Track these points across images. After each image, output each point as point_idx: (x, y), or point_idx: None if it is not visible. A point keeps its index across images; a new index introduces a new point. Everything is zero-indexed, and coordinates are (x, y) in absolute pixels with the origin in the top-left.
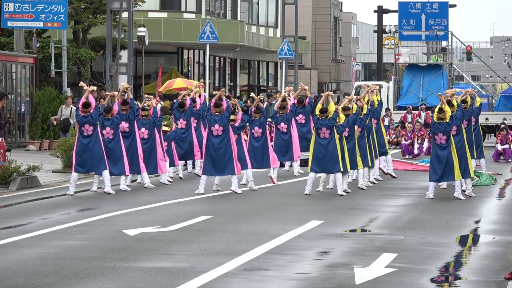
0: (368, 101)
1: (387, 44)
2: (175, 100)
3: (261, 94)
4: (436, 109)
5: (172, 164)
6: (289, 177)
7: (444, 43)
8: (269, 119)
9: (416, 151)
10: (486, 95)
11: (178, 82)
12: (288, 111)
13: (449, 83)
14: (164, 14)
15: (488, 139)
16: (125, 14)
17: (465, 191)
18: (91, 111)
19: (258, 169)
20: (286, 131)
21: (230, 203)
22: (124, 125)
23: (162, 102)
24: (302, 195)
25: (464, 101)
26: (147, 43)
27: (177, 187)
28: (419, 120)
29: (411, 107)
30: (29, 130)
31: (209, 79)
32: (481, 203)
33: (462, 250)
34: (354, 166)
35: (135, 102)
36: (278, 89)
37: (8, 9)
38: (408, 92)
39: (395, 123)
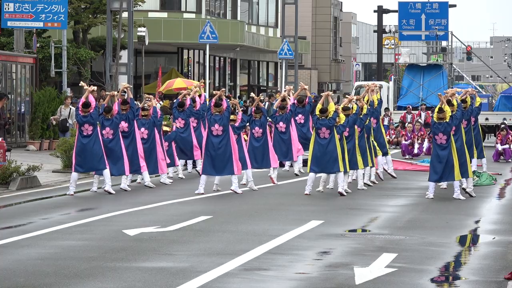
0: (367, 101)
1: (387, 44)
2: (175, 100)
3: (261, 94)
4: (436, 109)
5: (172, 164)
6: (289, 177)
7: (444, 43)
8: (269, 119)
9: (416, 151)
10: (486, 95)
11: (178, 82)
12: (288, 111)
13: (449, 83)
14: (164, 14)
15: (488, 139)
16: (125, 14)
17: (465, 189)
18: (91, 111)
19: (258, 169)
20: (285, 131)
21: (230, 203)
22: (123, 125)
23: (161, 102)
24: (302, 195)
25: (463, 101)
26: (147, 43)
27: (177, 187)
28: (419, 120)
29: (410, 107)
30: (29, 130)
31: (209, 79)
32: (481, 203)
33: (462, 250)
34: (354, 166)
35: (135, 102)
36: (278, 89)
37: (8, 9)
38: (408, 92)
39: (395, 123)
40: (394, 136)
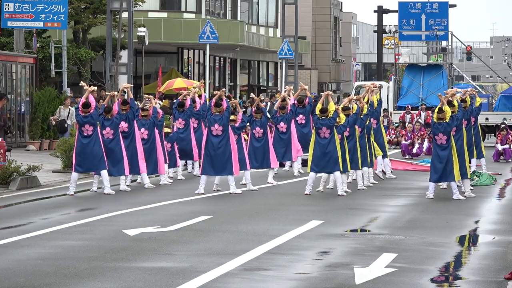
0: (367, 101)
1: (387, 44)
2: (175, 100)
3: (261, 94)
4: (436, 109)
5: (173, 165)
6: (289, 177)
7: (444, 43)
8: (270, 119)
9: (415, 151)
10: (486, 95)
11: (178, 82)
12: (288, 111)
13: (449, 83)
14: (164, 14)
15: (488, 139)
16: (125, 14)
17: (464, 193)
18: (91, 111)
19: (258, 169)
20: (286, 131)
21: (230, 203)
22: (123, 125)
23: (160, 102)
24: (302, 195)
25: (463, 101)
26: (147, 43)
27: (177, 187)
28: (419, 120)
29: (410, 107)
30: (29, 130)
31: (209, 79)
32: (481, 203)
33: (462, 250)
34: (354, 166)
35: (135, 102)
36: (278, 89)
37: (8, 9)
38: (408, 92)
39: (395, 123)
40: (394, 136)
